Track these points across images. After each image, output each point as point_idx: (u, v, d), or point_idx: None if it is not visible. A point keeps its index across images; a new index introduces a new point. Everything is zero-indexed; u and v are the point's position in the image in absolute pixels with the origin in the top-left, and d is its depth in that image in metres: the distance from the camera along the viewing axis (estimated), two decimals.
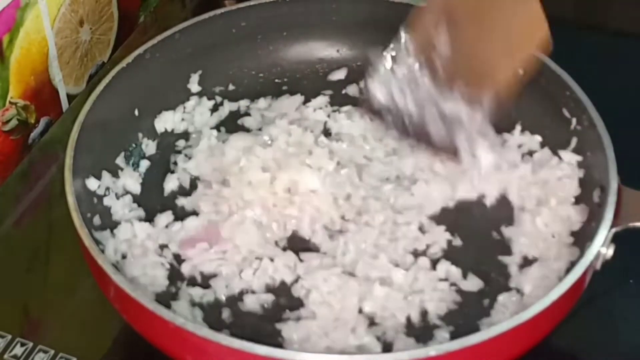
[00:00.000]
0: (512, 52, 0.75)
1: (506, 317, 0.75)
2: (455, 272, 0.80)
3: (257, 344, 0.68)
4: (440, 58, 0.77)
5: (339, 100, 0.96)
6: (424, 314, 0.77)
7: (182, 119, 0.94)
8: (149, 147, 0.91)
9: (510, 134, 0.90)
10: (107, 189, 0.85)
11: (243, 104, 0.96)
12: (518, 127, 0.90)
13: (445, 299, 0.78)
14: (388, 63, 0.79)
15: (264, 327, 0.76)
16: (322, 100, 0.96)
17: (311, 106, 0.95)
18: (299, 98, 0.96)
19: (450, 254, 0.82)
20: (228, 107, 0.96)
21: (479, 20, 0.76)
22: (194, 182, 0.88)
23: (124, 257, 0.81)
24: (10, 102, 0.96)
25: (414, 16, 0.81)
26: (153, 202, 0.87)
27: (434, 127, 0.78)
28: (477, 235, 0.84)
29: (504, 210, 0.85)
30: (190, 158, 0.90)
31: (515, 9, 0.76)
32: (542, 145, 0.89)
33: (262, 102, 0.96)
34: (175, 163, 0.90)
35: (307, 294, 0.78)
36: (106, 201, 0.84)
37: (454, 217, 0.85)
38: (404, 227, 0.83)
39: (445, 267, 0.80)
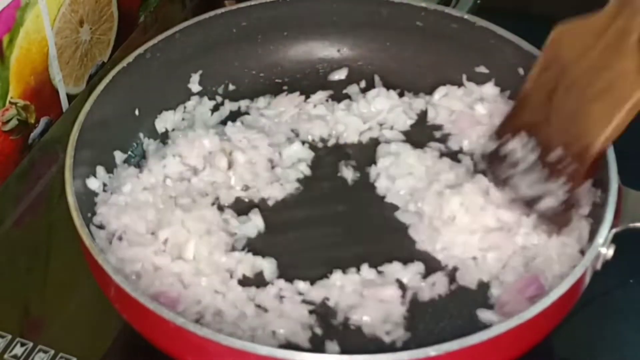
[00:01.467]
0: (609, 113, 0.75)
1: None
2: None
3: (258, 344, 0.68)
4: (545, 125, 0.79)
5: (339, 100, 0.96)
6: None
7: (183, 119, 0.94)
8: (150, 147, 0.91)
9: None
10: (106, 186, 0.85)
11: (244, 103, 0.96)
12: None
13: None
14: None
15: None
16: (322, 95, 0.96)
17: (311, 102, 0.95)
18: (297, 95, 0.96)
19: None
20: (229, 106, 0.96)
21: (578, 85, 0.77)
22: None
23: None
24: (10, 102, 0.96)
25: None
26: None
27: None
28: None
29: None
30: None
31: (612, 71, 0.76)
32: None
33: (261, 101, 0.96)
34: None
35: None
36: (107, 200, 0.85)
37: None
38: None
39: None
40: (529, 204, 0.79)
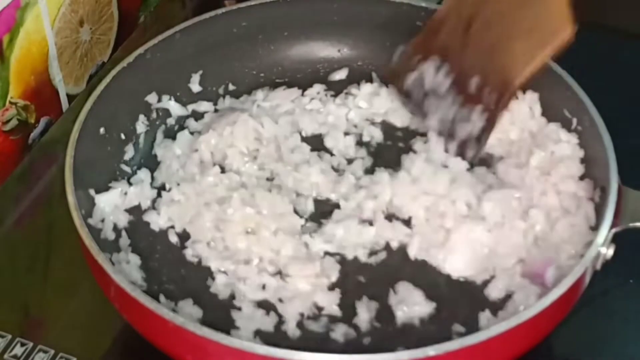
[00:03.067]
0: (532, 50, 0.76)
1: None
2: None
3: (257, 344, 0.68)
4: (457, 56, 0.79)
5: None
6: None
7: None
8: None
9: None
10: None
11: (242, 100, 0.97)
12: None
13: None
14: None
15: None
16: (317, 88, 0.96)
17: (308, 95, 0.96)
18: (296, 90, 0.96)
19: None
20: (229, 105, 0.96)
21: (501, 18, 0.77)
22: None
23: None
24: (10, 102, 0.96)
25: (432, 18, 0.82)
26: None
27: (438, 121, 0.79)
28: None
29: None
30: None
31: (540, 8, 0.76)
32: None
33: (259, 94, 0.96)
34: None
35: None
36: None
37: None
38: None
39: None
40: (448, 133, 0.79)
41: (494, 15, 0.77)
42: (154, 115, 0.93)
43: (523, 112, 0.89)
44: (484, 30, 0.78)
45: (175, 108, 0.94)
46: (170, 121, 0.93)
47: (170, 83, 0.94)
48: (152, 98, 0.92)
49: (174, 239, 0.83)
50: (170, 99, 0.94)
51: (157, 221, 0.84)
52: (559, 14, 0.75)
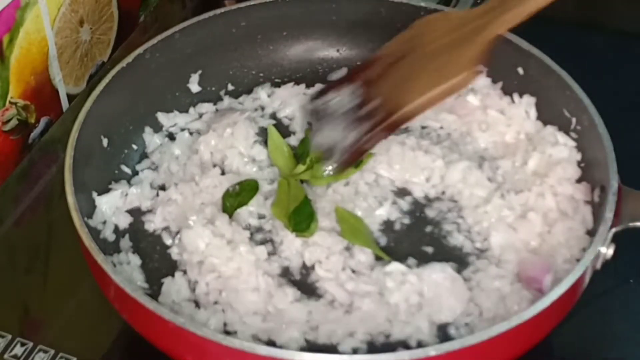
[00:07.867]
0: (430, 86, 0.81)
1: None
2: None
3: (257, 344, 0.68)
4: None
5: None
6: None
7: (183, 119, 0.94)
8: (150, 146, 0.91)
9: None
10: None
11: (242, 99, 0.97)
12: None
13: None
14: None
15: None
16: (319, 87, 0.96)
17: (309, 94, 0.95)
18: (301, 87, 0.97)
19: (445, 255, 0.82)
20: (228, 105, 0.96)
21: (422, 58, 0.83)
22: None
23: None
24: (10, 102, 0.96)
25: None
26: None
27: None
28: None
29: None
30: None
31: (454, 54, 0.81)
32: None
33: (261, 92, 0.96)
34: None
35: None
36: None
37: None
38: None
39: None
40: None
41: (416, 57, 0.83)
42: (153, 114, 0.93)
43: (519, 115, 0.89)
44: (404, 65, 0.83)
45: (182, 119, 0.94)
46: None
47: (169, 83, 0.94)
48: (151, 98, 0.92)
49: (169, 240, 0.83)
50: (176, 113, 0.94)
51: (152, 220, 0.84)
52: (466, 62, 0.80)
